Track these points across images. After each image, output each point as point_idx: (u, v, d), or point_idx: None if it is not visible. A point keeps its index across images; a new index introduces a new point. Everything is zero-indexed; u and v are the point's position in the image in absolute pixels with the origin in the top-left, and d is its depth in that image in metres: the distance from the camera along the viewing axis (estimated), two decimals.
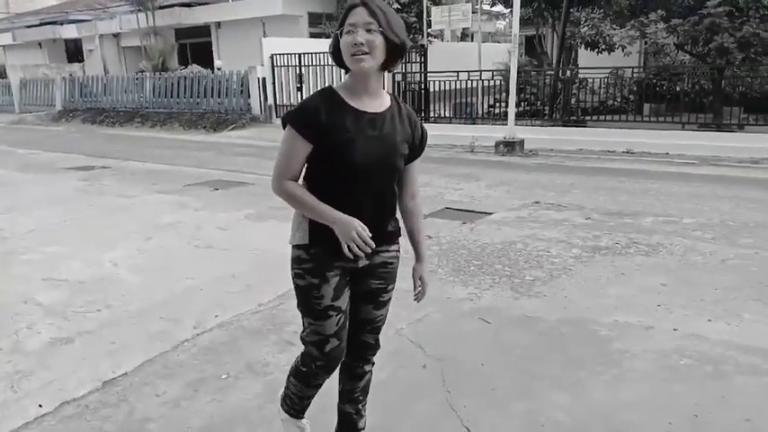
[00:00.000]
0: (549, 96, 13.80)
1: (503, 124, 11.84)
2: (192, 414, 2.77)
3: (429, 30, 17.16)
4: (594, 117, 12.94)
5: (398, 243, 2.18)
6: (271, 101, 16.05)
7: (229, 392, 2.96)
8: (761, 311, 3.70)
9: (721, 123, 11.73)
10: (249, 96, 16.28)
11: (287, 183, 1.97)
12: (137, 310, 3.98)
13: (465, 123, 13.41)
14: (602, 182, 8.08)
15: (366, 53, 1.87)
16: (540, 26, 17.65)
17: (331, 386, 2.34)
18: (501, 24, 33.87)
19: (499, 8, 23.91)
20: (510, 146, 10.97)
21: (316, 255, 2.01)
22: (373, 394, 2.79)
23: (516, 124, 11.42)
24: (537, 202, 6.77)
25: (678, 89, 13.02)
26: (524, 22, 17.20)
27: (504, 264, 4.68)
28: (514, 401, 2.77)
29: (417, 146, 2.12)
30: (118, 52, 26.40)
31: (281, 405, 2.35)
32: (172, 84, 17.97)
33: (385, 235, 2.10)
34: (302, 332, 2.16)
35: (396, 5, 18.96)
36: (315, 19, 21.05)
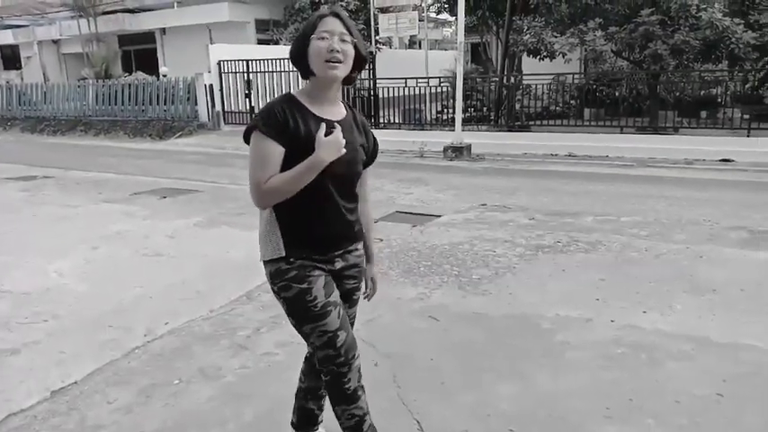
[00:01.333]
0: (495, 102, 14.15)
1: (450, 130, 12.08)
2: (145, 419, 2.78)
3: (377, 37, 17.32)
4: (538, 122, 13.33)
5: (361, 242, 2.24)
6: (219, 107, 15.91)
7: (182, 397, 2.97)
8: (691, 302, 3.93)
9: (657, 127, 12.27)
10: (196, 103, 16.10)
11: (265, 184, 1.92)
12: (85, 319, 3.93)
13: (414, 129, 13.61)
14: (546, 184, 8.34)
15: (341, 61, 1.93)
16: (484, 34, 18.05)
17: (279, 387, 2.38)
18: (448, 32, 34.36)
19: (446, 16, 24.31)
20: (458, 151, 11.20)
21: (296, 264, 2.02)
22: None
23: (463, 130, 11.66)
24: (483, 205, 6.96)
25: (617, 94, 13.56)
26: (470, 30, 17.58)
27: (453, 264, 4.81)
28: (462, 394, 2.88)
29: (371, 152, 2.19)
30: (58, 59, 25.68)
31: None
32: (116, 91, 17.58)
33: (354, 236, 2.17)
34: (308, 342, 2.12)
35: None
36: (262, 25, 20.99)
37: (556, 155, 11.28)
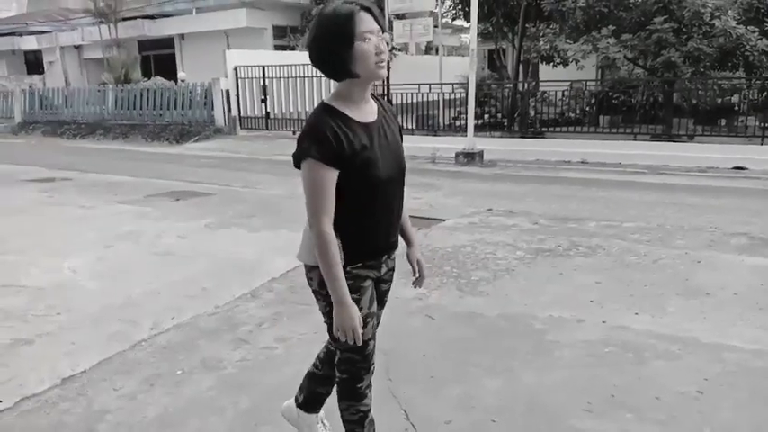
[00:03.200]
0: (508, 109, 14.24)
1: (463, 136, 12.17)
2: (148, 405, 2.93)
3: (393, 43, 17.49)
4: (553, 129, 13.39)
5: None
6: (235, 112, 16.17)
7: (184, 386, 3.12)
8: (683, 305, 4.00)
9: (671, 134, 12.28)
10: (213, 108, 16.36)
11: (328, 229, 1.89)
12: (95, 313, 4.11)
13: (427, 135, 13.74)
14: (556, 190, 8.40)
15: (385, 61, 1.89)
16: (498, 40, 18.14)
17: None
18: (466, 38, 34.45)
19: (462, 22, 24.43)
20: (469, 156, 11.28)
21: (352, 273, 2.00)
22: None
23: (476, 136, 11.75)
24: (489, 210, 7.05)
25: (633, 101, 13.58)
26: (485, 37, 17.69)
27: (453, 266, 4.92)
28: (450, 387, 3.00)
29: (400, 134, 2.15)
30: (80, 64, 26.22)
31: None
32: (135, 96, 17.93)
33: (398, 239, 2.14)
34: (335, 343, 2.15)
35: None
36: (279, 32, 21.30)
37: (568, 161, 11.29)
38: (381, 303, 2.26)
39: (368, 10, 1.86)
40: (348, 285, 1.96)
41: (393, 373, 3.15)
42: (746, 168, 10.11)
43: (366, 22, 1.84)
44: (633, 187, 8.59)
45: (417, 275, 2.34)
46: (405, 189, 2.15)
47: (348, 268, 1.99)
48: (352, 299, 1.97)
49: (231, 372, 3.26)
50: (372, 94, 2.06)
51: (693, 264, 4.82)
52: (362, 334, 2.03)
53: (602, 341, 3.48)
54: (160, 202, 7.89)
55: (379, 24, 1.87)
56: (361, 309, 2.02)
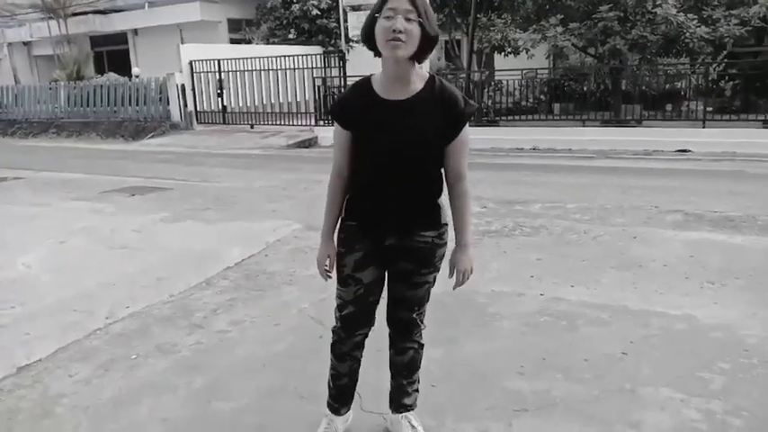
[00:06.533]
0: None
1: None
2: (103, 388, 3.03)
3: (352, 35, 17.54)
4: (509, 117, 13.67)
5: (439, 230, 2.20)
6: (191, 107, 16.05)
7: (138, 369, 3.22)
8: (616, 277, 4.27)
9: (620, 119, 12.69)
10: (168, 103, 16.21)
11: (333, 179, 2.20)
12: (50, 305, 4.15)
13: None
14: (507, 176, 8.67)
15: (402, 41, 1.90)
16: (452, 31, 18.34)
17: None
18: None
19: None
20: None
21: (347, 228, 2.22)
22: (275, 361, 3.16)
23: None
24: None
25: (585, 89, 13.96)
26: (440, 28, 17.86)
27: None
28: None
29: (453, 124, 2.05)
30: (29, 62, 25.57)
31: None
32: (88, 93, 17.62)
33: (415, 220, 2.16)
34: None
35: (315, 11, 19.32)
36: (234, 25, 21.15)
37: (521, 149, 11.63)
38: (409, 284, 2.27)
39: None
40: (342, 238, 2.23)
41: None
42: (690, 150, 10.58)
43: (397, 1, 1.91)
44: (581, 171, 8.92)
45: (455, 281, 2.35)
46: (423, 177, 2.13)
47: (346, 223, 2.23)
48: (341, 251, 2.24)
49: (185, 354, 3.37)
50: (435, 78, 2.06)
51: (629, 239, 5.11)
52: (343, 292, 2.27)
53: (538, 312, 3.70)
54: (115, 198, 7.87)
55: (414, 7, 1.90)
56: (345, 265, 2.23)
